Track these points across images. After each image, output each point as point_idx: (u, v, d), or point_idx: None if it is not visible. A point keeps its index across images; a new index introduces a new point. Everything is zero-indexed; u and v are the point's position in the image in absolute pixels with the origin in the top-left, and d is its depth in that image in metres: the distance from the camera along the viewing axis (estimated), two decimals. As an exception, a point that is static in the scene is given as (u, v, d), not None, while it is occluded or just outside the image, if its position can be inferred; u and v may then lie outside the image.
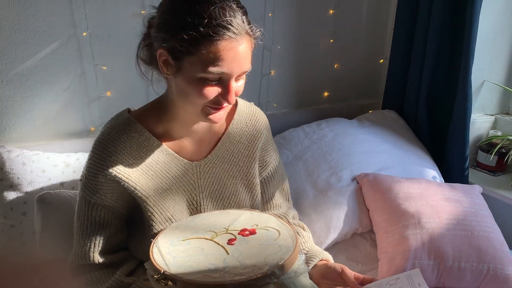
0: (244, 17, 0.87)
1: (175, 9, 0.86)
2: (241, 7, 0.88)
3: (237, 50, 0.85)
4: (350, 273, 1.00)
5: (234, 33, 0.84)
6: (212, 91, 0.88)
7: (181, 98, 0.92)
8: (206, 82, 0.87)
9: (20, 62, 1.39)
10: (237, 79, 0.91)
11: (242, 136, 1.10)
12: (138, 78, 1.54)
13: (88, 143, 1.46)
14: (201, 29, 0.82)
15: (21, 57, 1.38)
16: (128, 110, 1.03)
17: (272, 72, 1.85)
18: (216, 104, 0.91)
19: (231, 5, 0.85)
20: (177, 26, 0.84)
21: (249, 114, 1.13)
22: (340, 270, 1.01)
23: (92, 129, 1.56)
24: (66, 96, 1.48)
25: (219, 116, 0.93)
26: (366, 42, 2.05)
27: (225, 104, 0.92)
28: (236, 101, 1.13)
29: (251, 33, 0.88)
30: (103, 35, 1.48)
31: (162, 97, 1.02)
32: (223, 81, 0.88)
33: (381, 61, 2.12)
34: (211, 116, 0.92)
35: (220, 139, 1.07)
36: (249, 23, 0.88)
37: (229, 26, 0.83)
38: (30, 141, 1.47)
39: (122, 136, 0.97)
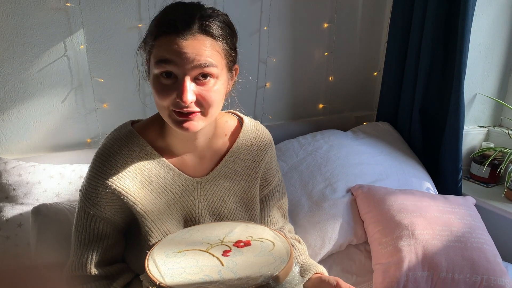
0: (201, 16, 0.88)
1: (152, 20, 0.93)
2: (202, 9, 0.90)
3: (182, 44, 0.85)
4: (345, 285, 0.99)
5: (176, 29, 0.86)
6: (168, 89, 0.87)
7: (157, 106, 0.93)
8: (161, 79, 0.88)
9: (18, 74, 1.40)
10: (199, 82, 0.89)
11: (246, 154, 1.09)
12: (134, 91, 1.56)
13: (84, 154, 1.49)
14: (155, 28, 0.89)
15: (19, 70, 1.40)
16: (132, 122, 1.03)
17: (267, 84, 1.87)
18: (177, 107, 0.88)
19: (189, 7, 0.90)
20: (147, 32, 0.92)
21: (254, 133, 1.11)
22: (335, 283, 1.00)
23: (88, 140, 1.56)
24: (63, 108, 1.50)
25: (192, 126, 0.90)
26: (360, 55, 2.08)
27: (190, 109, 0.88)
28: (242, 118, 1.12)
29: (205, 31, 0.88)
30: (100, 48, 1.50)
31: None
32: (178, 80, 0.87)
33: (375, 74, 2.14)
34: (183, 125, 0.89)
35: (223, 156, 1.06)
36: (203, 24, 0.87)
37: (173, 23, 0.86)
38: (26, 152, 1.48)
39: (123, 149, 0.97)
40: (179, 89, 0.86)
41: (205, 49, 0.87)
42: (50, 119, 1.49)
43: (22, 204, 1.31)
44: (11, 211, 1.30)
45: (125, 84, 1.56)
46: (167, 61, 0.86)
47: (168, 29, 0.86)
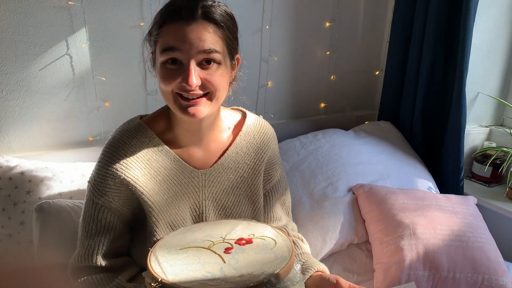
0: (203, 5, 0.91)
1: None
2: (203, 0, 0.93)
3: (186, 31, 0.89)
4: (345, 283, 0.99)
5: (181, 16, 0.89)
6: (173, 74, 0.91)
7: (162, 94, 0.96)
8: (166, 65, 0.91)
9: (20, 73, 1.40)
10: (203, 67, 0.92)
11: (250, 148, 1.11)
12: (136, 89, 1.57)
13: (87, 153, 1.49)
14: (160, 17, 0.92)
15: (21, 68, 1.40)
16: (140, 117, 1.06)
17: (269, 83, 1.87)
18: (182, 90, 0.91)
19: None
20: (152, 23, 0.96)
21: (257, 127, 1.14)
22: (335, 281, 1.01)
23: (91, 139, 1.57)
24: (65, 107, 1.50)
25: (198, 111, 0.93)
26: (362, 54, 2.07)
27: (195, 93, 0.91)
28: (245, 113, 1.16)
29: (208, 18, 0.91)
30: (102, 47, 1.50)
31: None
32: (183, 65, 0.90)
33: (376, 73, 2.14)
34: (189, 110, 0.92)
35: (227, 149, 1.09)
36: (206, 11, 0.91)
37: (178, 11, 0.90)
38: (28, 150, 1.48)
39: (132, 140, 1.00)
40: (185, 73, 0.89)
41: (208, 35, 0.90)
42: (52, 118, 1.49)
43: (24, 202, 1.31)
44: (14, 209, 1.31)
45: (127, 82, 1.57)
46: (173, 49, 0.89)
47: (172, 17, 0.90)
